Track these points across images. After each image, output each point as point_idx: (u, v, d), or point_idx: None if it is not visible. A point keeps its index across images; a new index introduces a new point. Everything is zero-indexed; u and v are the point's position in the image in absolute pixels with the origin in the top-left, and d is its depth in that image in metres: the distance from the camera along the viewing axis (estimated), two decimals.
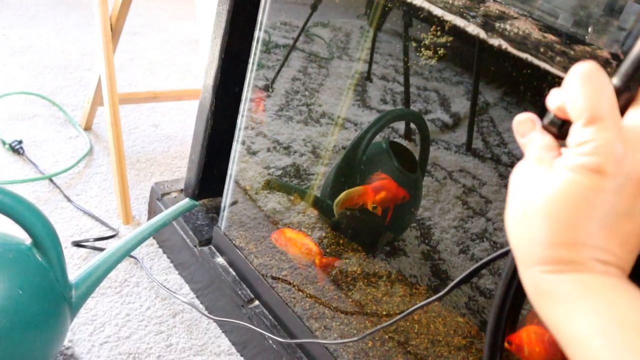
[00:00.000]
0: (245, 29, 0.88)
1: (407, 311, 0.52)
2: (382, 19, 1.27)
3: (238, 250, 0.89)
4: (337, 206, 0.91)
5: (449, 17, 0.69)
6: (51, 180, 1.19)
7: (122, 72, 1.71)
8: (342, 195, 0.91)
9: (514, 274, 0.39)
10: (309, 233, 1.00)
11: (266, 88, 1.56)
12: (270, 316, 0.83)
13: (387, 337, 0.85)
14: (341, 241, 0.99)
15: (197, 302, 0.97)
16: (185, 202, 0.82)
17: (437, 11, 0.69)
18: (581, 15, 0.71)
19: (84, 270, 0.77)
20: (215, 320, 0.91)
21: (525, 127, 0.36)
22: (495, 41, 0.65)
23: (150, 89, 1.66)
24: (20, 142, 1.25)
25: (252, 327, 0.81)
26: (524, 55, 0.66)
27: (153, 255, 1.06)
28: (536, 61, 0.65)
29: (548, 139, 0.35)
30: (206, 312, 0.94)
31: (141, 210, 1.16)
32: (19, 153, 1.23)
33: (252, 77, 0.85)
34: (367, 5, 1.40)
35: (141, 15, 2.23)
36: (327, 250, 0.97)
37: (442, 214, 1.27)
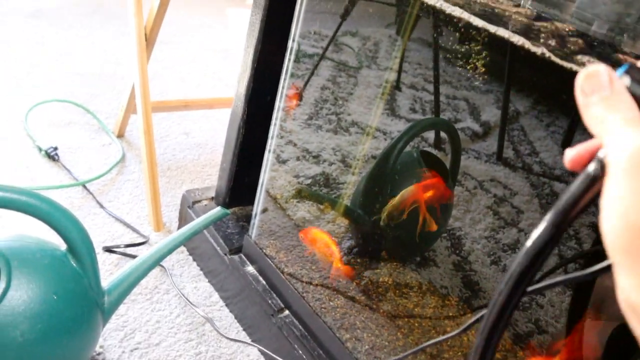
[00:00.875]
0: (278, 38, 0.89)
1: (454, 333, 0.50)
2: (411, 28, 1.26)
3: (268, 259, 0.89)
4: (391, 209, 0.90)
5: (479, 22, 0.68)
6: (84, 187, 1.21)
7: (154, 80, 1.73)
8: (396, 198, 0.90)
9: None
10: (338, 241, 1.00)
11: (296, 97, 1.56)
12: (300, 326, 0.83)
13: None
14: (370, 249, 0.98)
15: (225, 310, 0.97)
16: (217, 210, 0.83)
17: (469, 18, 0.69)
18: (616, 22, 0.69)
19: (116, 277, 0.78)
20: (229, 339, 0.91)
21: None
22: (529, 46, 0.64)
23: (181, 97, 1.69)
24: (55, 148, 1.27)
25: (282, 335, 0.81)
26: (558, 62, 0.64)
27: (183, 262, 1.06)
28: (569, 66, 0.63)
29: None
30: (220, 330, 0.94)
31: (172, 217, 1.17)
32: (54, 159, 1.26)
33: (285, 86, 0.85)
34: (396, 14, 1.40)
35: (174, 24, 2.26)
36: (357, 259, 0.96)
37: (473, 224, 1.25)
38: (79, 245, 0.71)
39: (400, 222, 0.93)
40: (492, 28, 0.66)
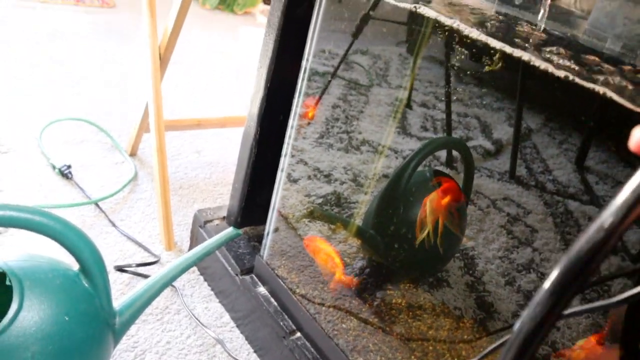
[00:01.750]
0: (291, 58, 0.89)
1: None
2: (422, 46, 1.26)
3: (280, 280, 0.88)
4: (428, 223, 0.89)
5: (491, 42, 0.68)
6: (97, 205, 1.21)
7: (167, 98, 1.75)
8: (427, 210, 0.90)
9: None
10: (350, 262, 0.99)
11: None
12: (312, 349, 0.82)
13: None
14: (384, 271, 0.97)
15: (237, 331, 0.96)
16: (229, 231, 0.82)
17: (480, 37, 0.68)
18: (629, 39, 0.69)
19: (128, 298, 0.78)
20: None
21: None
22: (541, 64, 0.63)
23: (193, 115, 1.70)
24: (69, 166, 1.28)
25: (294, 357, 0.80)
26: (570, 77, 0.63)
27: (194, 282, 1.06)
28: (583, 83, 0.62)
29: None
30: (230, 352, 0.93)
31: (183, 236, 1.17)
32: (67, 177, 1.27)
33: (298, 104, 0.85)
34: (407, 32, 1.40)
35: (187, 42, 2.29)
36: (369, 280, 0.95)
37: (487, 244, 1.24)
38: (91, 265, 0.71)
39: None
40: (504, 46, 0.65)
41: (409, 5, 0.75)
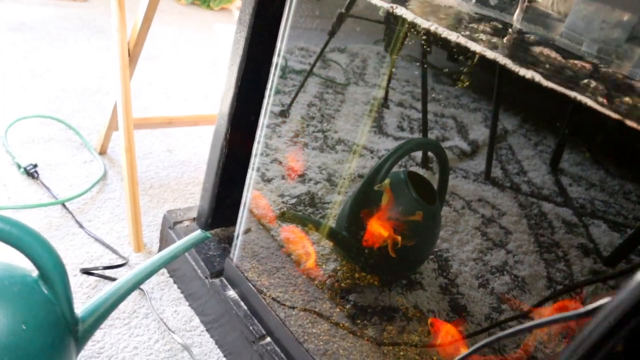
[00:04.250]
0: (263, 56, 0.87)
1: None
2: (399, 45, 1.25)
3: (250, 284, 0.86)
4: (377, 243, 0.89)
5: (468, 43, 0.67)
6: (64, 206, 1.17)
7: (138, 95, 1.71)
8: (373, 234, 0.89)
9: None
10: (324, 265, 0.98)
11: (282, 114, 1.55)
12: (282, 354, 0.80)
13: None
14: (357, 275, 0.96)
15: (206, 335, 0.94)
16: (197, 234, 0.80)
17: (457, 38, 0.67)
18: (605, 42, 0.68)
19: (92, 303, 0.75)
20: None
21: None
22: (517, 68, 0.62)
23: (166, 112, 1.66)
24: (35, 165, 1.24)
25: None
26: (545, 83, 0.63)
27: (164, 285, 1.03)
28: (558, 87, 0.62)
29: None
30: (199, 358, 0.91)
31: (153, 237, 1.14)
32: (33, 177, 1.23)
33: (269, 103, 0.83)
34: (384, 31, 1.39)
35: (160, 38, 2.24)
36: (342, 284, 0.94)
37: (461, 246, 1.23)
38: (51, 270, 0.68)
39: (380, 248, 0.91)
40: (480, 49, 0.64)
41: (386, 5, 0.74)
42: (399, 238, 0.88)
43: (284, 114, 1.53)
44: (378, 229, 0.88)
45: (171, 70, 2.00)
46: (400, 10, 0.68)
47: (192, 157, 1.46)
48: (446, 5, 0.79)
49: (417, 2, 0.78)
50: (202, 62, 2.17)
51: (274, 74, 0.82)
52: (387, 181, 0.90)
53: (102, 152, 1.39)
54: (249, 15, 0.83)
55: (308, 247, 0.92)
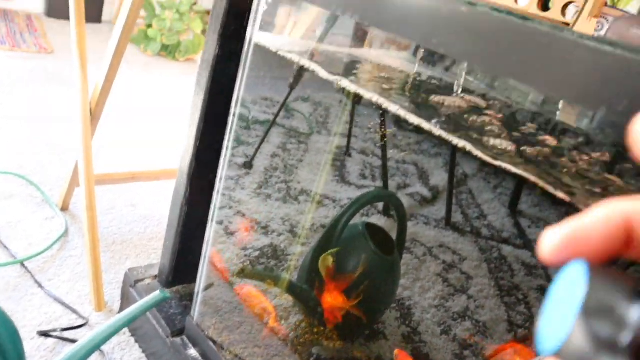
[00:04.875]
0: (221, 117, 0.90)
1: None
2: (357, 94, 1.30)
3: (210, 342, 0.86)
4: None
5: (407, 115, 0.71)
6: (23, 265, 1.16)
7: (102, 149, 1.71)
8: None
9: None
10: (284, 315, 0.98)
11: (246, 165, 1.57)
12: None
13: None
14: (315, 330, 0.96)
15: None
16: (156, 295, 0.80)
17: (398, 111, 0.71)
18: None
19: None
20: None
21: None
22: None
23: (130, 166, 1.67)
24: None
25: None
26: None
27: (125, 345, 1.02)
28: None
29: None
30: None
31: (114, 295, 1.13)
32: None
33: (227, 155, 0.85)
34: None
35: (124, 91, 2.26)
36: (303, 338, 0.94)
37: (423, 293, 1.25)
38: (3, 339, 0.67)
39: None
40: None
41: (332, 78, 0.78)
42: (354, 301, 0.90)
43: (247, 165, 1.55)
44: (333, 303, 0.90)
45: (136, 123, 2.01)
46: (344, 83, 0.72)
47: (156, 212, 1.47)
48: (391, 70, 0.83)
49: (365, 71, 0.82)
50: (165, 115, 2.20)
51: (232, 124, 0.84)
52: (330, 259, 0.93)
53: (64, 208, 1.38)
54: (205, 78, 0.87)
55: (267, 305, 0.93)
